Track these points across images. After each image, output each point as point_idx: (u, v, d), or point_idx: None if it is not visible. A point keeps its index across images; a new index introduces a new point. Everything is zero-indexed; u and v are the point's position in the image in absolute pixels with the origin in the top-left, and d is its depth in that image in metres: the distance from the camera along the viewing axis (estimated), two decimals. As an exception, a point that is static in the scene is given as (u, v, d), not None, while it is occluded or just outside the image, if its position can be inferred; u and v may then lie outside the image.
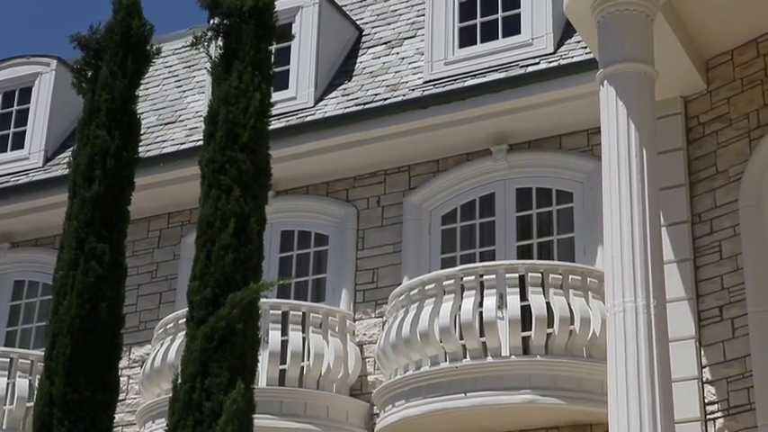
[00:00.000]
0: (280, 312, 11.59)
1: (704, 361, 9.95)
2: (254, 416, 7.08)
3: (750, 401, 9.53)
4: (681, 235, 10.34)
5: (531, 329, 10.44)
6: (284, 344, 11.47)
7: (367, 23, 14.05)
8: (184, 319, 8.06)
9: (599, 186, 9.56)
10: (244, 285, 7.38)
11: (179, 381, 7.25)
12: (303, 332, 11.57)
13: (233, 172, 7.71)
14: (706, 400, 9.84)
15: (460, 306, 10.66)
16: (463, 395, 10.44)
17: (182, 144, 13.57)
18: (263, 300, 9.26)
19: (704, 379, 9.90)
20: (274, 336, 11.44)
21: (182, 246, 13.14)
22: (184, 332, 8.34)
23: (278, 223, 12.58)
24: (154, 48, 8.72)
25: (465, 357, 10.58)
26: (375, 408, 11.45)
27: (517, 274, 10.65)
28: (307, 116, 12.92)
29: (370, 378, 11.79)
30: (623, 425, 8.19)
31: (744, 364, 9.66)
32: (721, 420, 9.71)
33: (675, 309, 9.64)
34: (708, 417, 9.80)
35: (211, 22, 8.48)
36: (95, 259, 7.90)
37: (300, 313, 11.64)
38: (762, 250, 9.89)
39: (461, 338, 10.60)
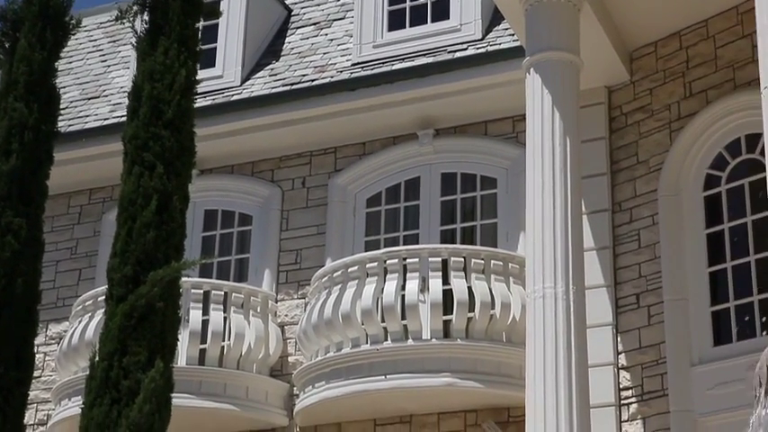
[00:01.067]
0: (201, 292, 11.52)
1: (620, 347, 10.13)
2: (173, 395, 7.03)
3: (663, 387, 9.73)
4: (601, 223, 10.50)
5: (452, 313, 10.52)
6: (205, 323, 11.41)
7: (296, 3, 13.98)
8: (104, 297, 7.96)
9: (523, 173, 9.65)
10: (165, 264, 7.31)
11: (96, 358, 7.16)
12: (224, 312, 11.52)
13: (156, 149, 7.62)
14: (621, 386, 10.03)
15: (383, 289, 10.70)
16: (383, 377, 10.48)
17: (105, 119, 13.39)
18: (184, 278, 9.19)
19: (620, 365, 10.09)
20: (195, 315, 11.37)
21: (103, 222, 12.98)
22: (103, 310, 8.23)
23: (202, 202, 12.49)
24: (74, 19, 8.56)
25: (386, 340, 10.62)
26: (295, 389, 11.45)
27: (440, 259, 10.72)
28: (233, 95, 12.82)
29: (290, 359, 11.78)
30: (540, 408, 8.31)
31: (658, 350, 9.85)
32: (635, 405, 9.90)
33: (594, 295, 9.80)
34: (622, 402, 9.98)
35: (138, -4, 8.36)
36: (11, 234, 7.76)
37: (222, 293, 11.58)
38: (679, 240, 10.09)
39: (383, 321, 10.64)
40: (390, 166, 12.22)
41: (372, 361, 10.57)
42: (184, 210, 7.67)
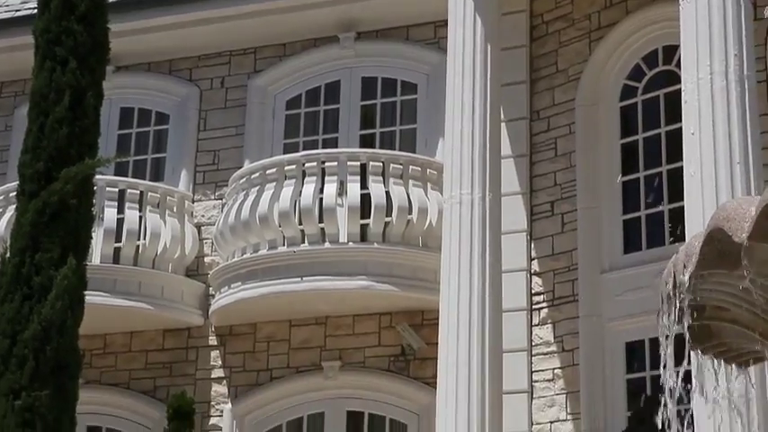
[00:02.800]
0: (116, 190, 11.39)
1: (533, 253, 10.31)
2: (86, 292, 7.00)
3: (574, 293, 9.95)
4: (519, 131, 10.57)
5: (369, 217, 10.57)
6: (120, 222, 11.31)
7: None
8: (15, 193, 7.83)
9: (443, 79, 9.64)
10: (78, 161, 7.21)
11: (7, 255, 7.08)
12: (140, 211, 11.42)
13: (69, 44, 7.45)
14: (533, 291, 10.23)
15: (301, 192, 10.69)
16: (299, 279, 10.53)
17: (16, 11, 12.98)
18: (98, 177, 9.09)
19: (532, 270, 10.27)
20: (110, 213, 11.25)
21: (14, 117, 12.68)
22: (15, 206, 8.11)
23: (118, 99, 12.25)
24: None
25: (303, 242, 10.64)
26: (211, 289, 11.45)
27: (359, 163, 10.72)
28: (151, -10, 12.51)
29: (207, 259, 11.76)
30: (453, 312, 8.46)
31: (570, 257, 10.05)
32: (546, 310, 10.13)
33: (509, 202, 9.93)
34: (533, 306, 10.20)
35: None
36: None
37: (138, 192, 11.47)
38: (594, 149, 10.23)
39: (300, 224, 10.66)
40: (311, 68, 12.10)
41: (289, 263, 10.60)
42: (98, 106, 7.54)
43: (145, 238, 11.34)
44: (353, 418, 10.94)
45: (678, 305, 3.12)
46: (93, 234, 7.58)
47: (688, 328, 3.21)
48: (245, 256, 10.89)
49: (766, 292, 2.89)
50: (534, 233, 10.36)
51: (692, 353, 3.79)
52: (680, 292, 3.00)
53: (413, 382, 10.67)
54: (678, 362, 3.61)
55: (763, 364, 4.90)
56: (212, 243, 11.64)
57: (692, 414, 6.52)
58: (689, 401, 6.31)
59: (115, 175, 11.90)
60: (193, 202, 11.95)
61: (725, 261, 2.86)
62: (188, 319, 11.46)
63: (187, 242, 11.60)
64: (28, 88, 10.39)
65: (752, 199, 2.74)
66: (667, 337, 3.34)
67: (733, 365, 3.39)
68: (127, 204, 11.38)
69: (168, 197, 11.61)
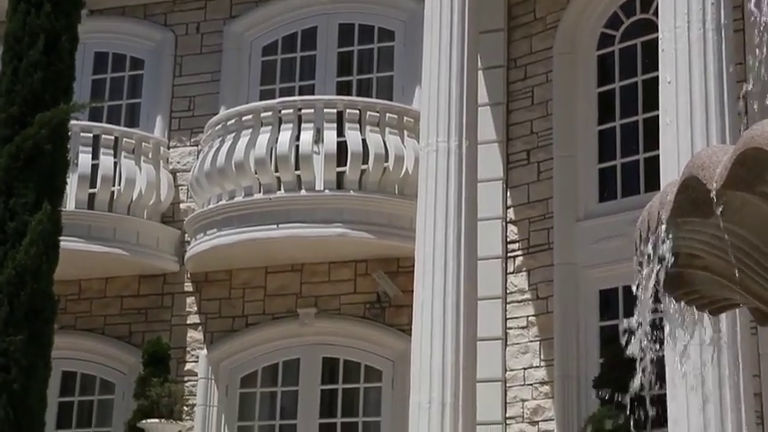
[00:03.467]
0: (91, 135, 11.32)
1: (509, 202, 10.35)
2: (61, 238, 6.98)
3: (549, 241, 10.01)
4: (496, 79, 10.55)
5: (345, 165, 10.56)
6: (95, 168, 11.25)
7: None
8: (-11, 137, 7.74)
9: (421, 27, 9.59)
10: (53, 105, 7.15)
11: (-19, 200, 7.04)
12: (115, 157, 11.36)
13: (43, -14, 7.35)
14: (508, 239, 10.28)
15: (277, 139, 10.66)
16: (275, 226, 10.53)
17: (-10, -47, 12.79)
18: (73, 122, 9.02)
19: (508, 219, 10.32)
20: (84, 159, 11.19)
21: (-12, 61, 12.53)
22: (-12, 151, 8.03)
23: (92, 44, 12.12)
24: None
25: (279, 189, 10.64)
26: (186, 235, 11.44)
27: (335, 110, 10.68)
28: (122, -68, 12.33)
29: (182, 206, 11.73)
30: (429, 259, 8.49)
31: (546, 205, 10.09)
32: (521, 258, 10.18)
33: (486, 151, 9.93)
34: (509, 254, 10.25)
35: None
36: None
37: (113, 137, 11.40)
38: (571, 98, 10.23)
39: (276, 171, 10.64)
40: (288, 14, 12.00)
41: (265, 210, 10.59)
42: (73, 51, 7.47)
43: (120, 184, 11.29)
44: (329, 365, 11.01)
45: (652, 253, 3.14)
46: (68, 180, 7.52)
47: (660, 275, 3.24)
48: (220, 202, 10.87)
49: (738, 239, 2.92)
50: (510, 181, 10.38)
51: (664, 300, 3.84)
52: (654, 239, 3.02)
53: (388, 329, 10.73)
54: (651, 310, 3.65)
55: (735, 312, 4.96)
56: (188, 190, 11.61)
57: (664, 360, 6.60)
58: (661, 348, 6.39)
59: (89, 120, 11.81)
60: (169, 149, 11.89)
61: (699, 209, 2.87)
62: (163, 266, 11.46)
63: (162, 188, 11.57)
64: (1, 31, 10.26)
65: (727, 147, 2.76)
66: (639, 285, 3.38)
67: (705, 312, 3.42)
68: (102, 150, 11.31)
69: (143, 143, 11.55)
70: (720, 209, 2.66)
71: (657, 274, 3.25)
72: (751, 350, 7.03)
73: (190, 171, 11.49)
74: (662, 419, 6.49)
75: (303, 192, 10.56)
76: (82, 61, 11.37)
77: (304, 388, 10.91)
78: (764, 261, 2.93)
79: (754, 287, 3.08)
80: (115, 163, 11.35)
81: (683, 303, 3.44)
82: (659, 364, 6.69)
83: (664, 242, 3.06)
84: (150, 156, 11.56)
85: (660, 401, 6.65)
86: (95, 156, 11.29)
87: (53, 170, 7.02)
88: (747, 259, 3.00)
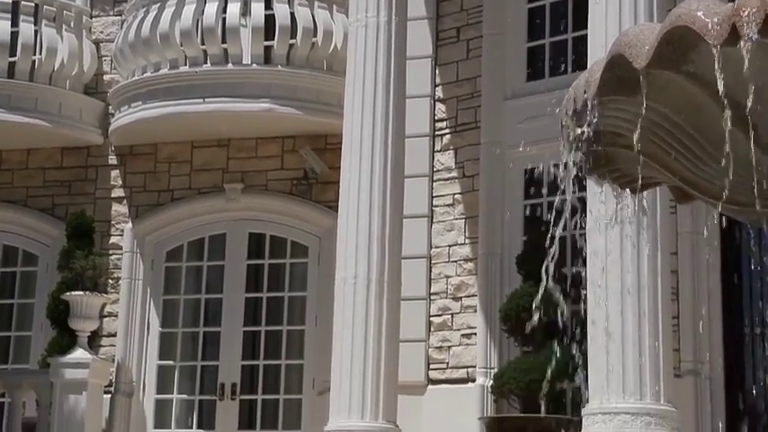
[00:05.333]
0: (9, 1, 11.01)
1: (438, 80, 10.31)
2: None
3: (476, 120, 10.02)
4: (427, -46, 10.40)
5: (273, 39, 10.41)
6: (14, 36, 10.95)
7: None
8: None
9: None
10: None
11: None
12: (35, 25, 11.07)
13: None
14: (436, 117, 10.27)
15: (203, 10, 10.45)
16: (201, 100, 10.40)
17: None
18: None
19: (436, 97, 10.29)
20: (3, 26, 10.89)
21: None
22: None
23: None
24: None
25: (205, 63, 10.48)
26: (111, 108, 11.25)
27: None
28: None
29: (106, 77, 11.51)
30: (357, 136, 8.47)
31: (474, 84, 10.08)
32: (448, 137, 10.20)
33: (415, 27, 9.83)
34: (436, 132, 10.26)
35: None
36: None
37: (32, 4, 11.09)
38: (502, -25, 10.12)
39: (203, 43, 10.46)
40: None
41: (191, 83, 10.44)
42: None
43: (41, 53, 11.03)
44: (255, 240, 11.03)
45: (577, 130, 3.16)
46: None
47: (585, 153, 3.26)
48: (145, 75, 10.68)
49: (662, 118, 2.94)
50: (439, 59, 10.33)
51: (588, 178, 3.88)
52: (579, 116, 3.04)
53: (315, 206, 10.75)
54: (575, 188, 3.68)
55: (655, 189, 5.04)
56: (111, 61, 11.38)
57: (586, 237, 6.71)
58: (583, 227, 6.49)
59: (8, -14, 11.44)
60: (91, 18, 11.60)
61: (624, 87, 2.88)
62: (87, 138, 11.28)
63: (85, 59, 11.32)
64: None
65: (654, 26, 2.75)
66: (564, 163, 3.40)
67: (627, 190, 3.47)
68: (21, 17, 11.01)
69: (65, 11, 11.25)
70: (642, 86, 2.67)
71: (582, 152, 3.28)
72: (670, 228, 7.18)
73: (113, 42, 11.24)
74: (582, 296, 6.65)
75: (230, 65, 10.42)
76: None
77: (230, 263, 10.94)
78: (686, 140, 2.97)
79: (674, 165, 3.13)
80: (36, 31, 11.06)
81: (606, 181, 3.47)
82: (581, 241, 6.81)
83: (588, 120, 3.07)
84: (72, 24, 11.27)
85: (581, 280, 6.80)
86: (15, 23, 10.98)
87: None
88: (670, 138, 3.03)
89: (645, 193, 3.69)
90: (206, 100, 10.39)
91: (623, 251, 6.52)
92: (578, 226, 5.41)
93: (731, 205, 3.11)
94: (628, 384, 6.51)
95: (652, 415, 6.45)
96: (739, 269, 8.72)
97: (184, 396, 10.89)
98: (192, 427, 10.87)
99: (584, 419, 6.67)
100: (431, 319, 9.91)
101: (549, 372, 7.55)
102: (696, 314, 8.54)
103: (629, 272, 6.54)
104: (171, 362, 10.94)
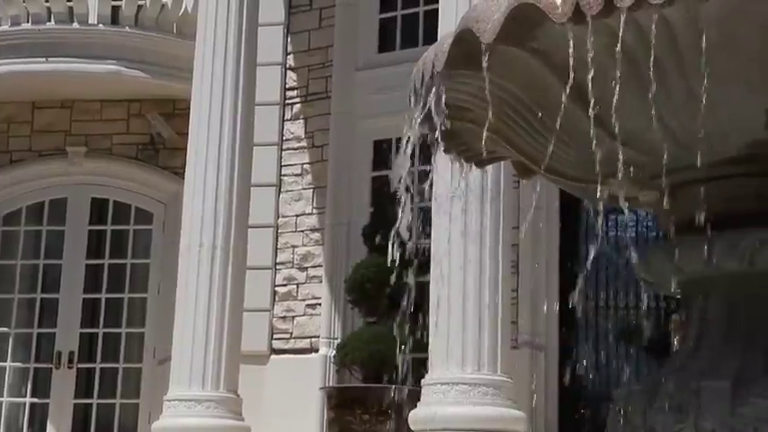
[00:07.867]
0: None
1: (289, 48, 10.24)
2: None
3: (327, 89, 10.01)
4: None
5: (121, -1, 10.18)
6: None
7: None
8: None
9: None
10: None
11: None
12: None
13: None
14: (287, 86, 10.21)
15: (48, -35, 10.12)
16: (44, 60, 10.09)
17: None
18: None
19: (287, 65, 10.23)
20: None
21: None
22: None
23: None
24: None
25: (49, 21, 10.16)
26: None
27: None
28: None
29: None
30: (206, 102, 8.35)
31: (326, 53, 10.05)
32: (299, 106, 10.16)
33: (267, -5, 9.73)
34: (287, 101, 10.21)
35: None
36: None
37: None
38: (356, -56, 10.11)
39: (47, 0, 10.13)
40: None
41: (33, 41, 10.12)
42: None
43: None
44: (97, 205, 10.78)
45: (424, 103, 3.17)
46: None
47: (431, 127, 3.28)
48: (-15, 31, 10.28)
49: (507, 93, 2.97)
50: (291, 27, 10.26)
51: (434, 152, 3.91)
52: (427, 89, 3.05)
53: (161, 172, 10.57)
54: (421, 161, 3.71)
55: (500, 165, 5.13)
56: (-52, 14, 10.90)
57: (431, 210, 6.80)
58: (430, 199, 6.57)
59: None
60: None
61: (472, 62, 2.90)
62: None
63: None
64: None
65: (502, 2, 2.78)
66: (410, 139, 3.41)
67: (473, 164, 3.50)
68: None
69: None
70: (487, 62, 2.69)
71: (428, 126, 3.30)
72: (513, 203, 7.33)
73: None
74: (426, 268, 6.73)
75: (75, 24, 10.15)
76: None
77: (71, 228, 10.66)
78: (529, 116, 3.01)
79: (517, 141, 3.17)
80: None
81: (452, 155, 3.50)
82: (427, 215, 6.90)
83: (436, 93, 3.08)
84: None
85: (426, 252, 6.88)
86: None
87: None
88: (514, 114, 3.07)
89: (490, 167, 3.74)
90: (49, 59, 10.08)
91: (467, 224, 6.63)
92: (426, 198, 5.46)
93: (572, 182, 3.17)
94: (467, 356, 6.63)
95: (489, 386, 6.58)
96: (577, 244, 8.98)
97: (19, 364, 10.58)
98: (25, 396, 10.59)
99: (423, 390, 6.76)
100: (276, 288, 9.89)
101: (391, 342, 7.63)
102: (535, 288, 8.76)
103: (471, 245, 6.65)
104: (5, 329, 10.61)
